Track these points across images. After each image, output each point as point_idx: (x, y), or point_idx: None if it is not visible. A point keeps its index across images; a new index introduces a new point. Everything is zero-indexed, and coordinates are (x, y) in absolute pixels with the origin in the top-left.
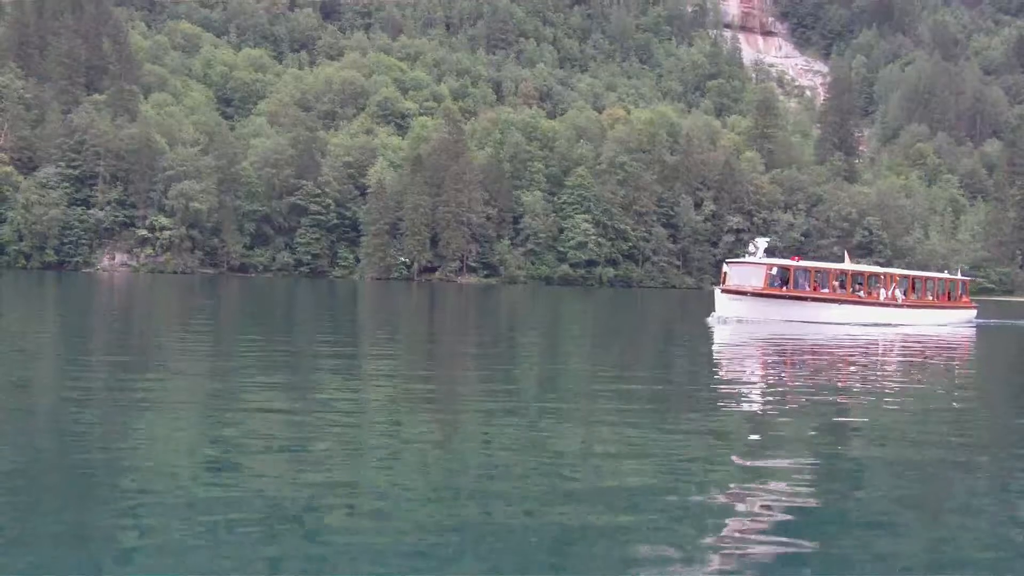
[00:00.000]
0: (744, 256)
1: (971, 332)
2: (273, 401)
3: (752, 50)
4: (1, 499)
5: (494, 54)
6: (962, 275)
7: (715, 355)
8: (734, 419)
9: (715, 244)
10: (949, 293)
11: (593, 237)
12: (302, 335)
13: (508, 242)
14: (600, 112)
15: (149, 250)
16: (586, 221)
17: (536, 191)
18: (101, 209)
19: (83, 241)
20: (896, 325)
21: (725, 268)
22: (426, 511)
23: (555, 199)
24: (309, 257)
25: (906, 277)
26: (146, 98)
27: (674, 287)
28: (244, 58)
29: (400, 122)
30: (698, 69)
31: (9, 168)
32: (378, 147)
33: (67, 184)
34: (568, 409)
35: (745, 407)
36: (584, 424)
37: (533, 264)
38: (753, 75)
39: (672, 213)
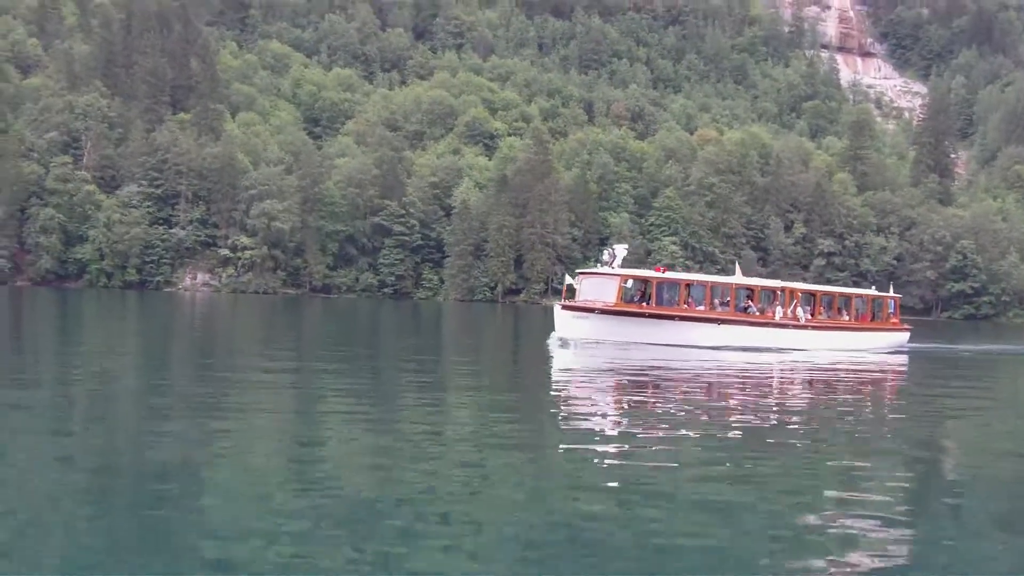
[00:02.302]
0: (597, 265)
1: (900, 359)
2: (357, 423)
3: (850, 71)
4: (85, 514)
5: (586, 74)
6: (893, 292)
7: (523, 384)
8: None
9: (806, 267)
10: (873, 313)
11: (680, 259)
12: (387, 356)
13: (595, 263)
14: (691, 133)
15: (231, 270)
16: (673, 243)
17: (623, 212)
18: (183, 228)
19: (165, 260)
20: (797, 350)
21: (569, 280)
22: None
23: (642, 221)
24: (393, 278)
25: (812, 294)
26: (233, 117)
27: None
28: (334, 78)
29: (488, 143)
30: (794, 90)
31: (92, 187)
32: (464, 167)
33: (149, 203)
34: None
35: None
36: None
37: None
38: (850, 96)
39: (762, 236)
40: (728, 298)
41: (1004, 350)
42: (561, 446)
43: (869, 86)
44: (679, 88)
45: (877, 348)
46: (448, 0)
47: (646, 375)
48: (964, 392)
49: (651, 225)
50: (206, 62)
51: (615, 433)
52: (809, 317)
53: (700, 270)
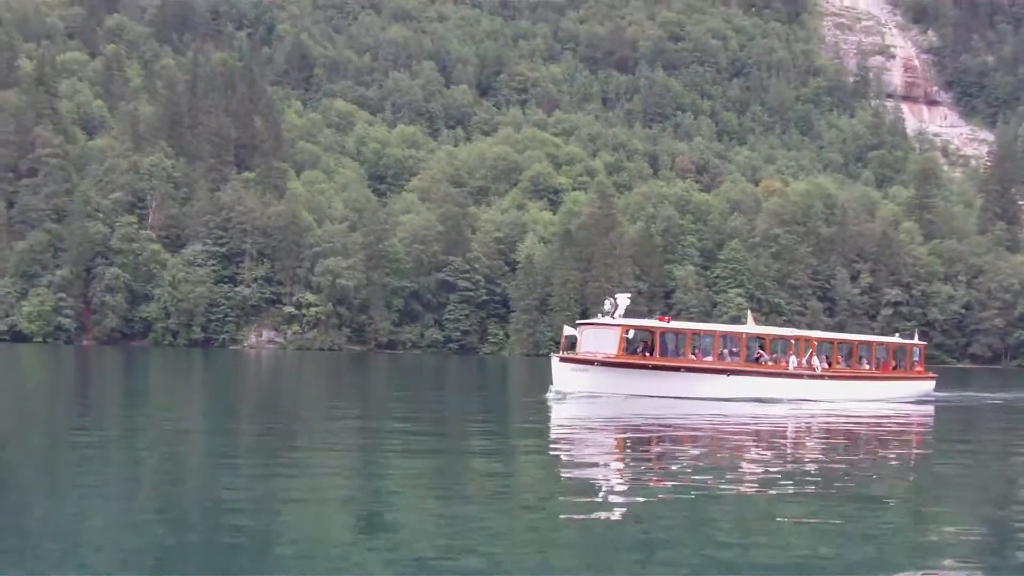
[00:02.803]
0: (598, 316)
1: (925, 409)
2: (423, 477)
3: (916, 120)
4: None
5: (650, 128)
6: (918, 339)
7: (508, 444)
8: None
9: (873, 318)
10: (896, 361)
11: (746, 312)
12: (453, 412)
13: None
14: (756, 185)
15: (296, 327)
16: (739, 295)
17: (688, 265)
18: (248, 286)
19: (230, 318)
20: (814, 400)
21: (568, 331)
22: None
23: (708, 273)
24: (458, 333)
25: (829, 342)
26: (299, 176)
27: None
28: (398, 135)
29: (553, 197)
30: (860, 140)
31: (157, 246)
32: (529, 222)
33: (214, 261)
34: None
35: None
36: None
37: None
38: (916, 145)
39: (828, 286)
40: (738, 348)
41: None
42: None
43: (935, 134)
44: (744, 140)
45: (900, 398)
46: (512, 56)
47: (644, 430)
48: (982, 446)
49: (716, 277)
50: (270, 121)
51: (615, 492)
52: (826, 366)
53: (766, 322)
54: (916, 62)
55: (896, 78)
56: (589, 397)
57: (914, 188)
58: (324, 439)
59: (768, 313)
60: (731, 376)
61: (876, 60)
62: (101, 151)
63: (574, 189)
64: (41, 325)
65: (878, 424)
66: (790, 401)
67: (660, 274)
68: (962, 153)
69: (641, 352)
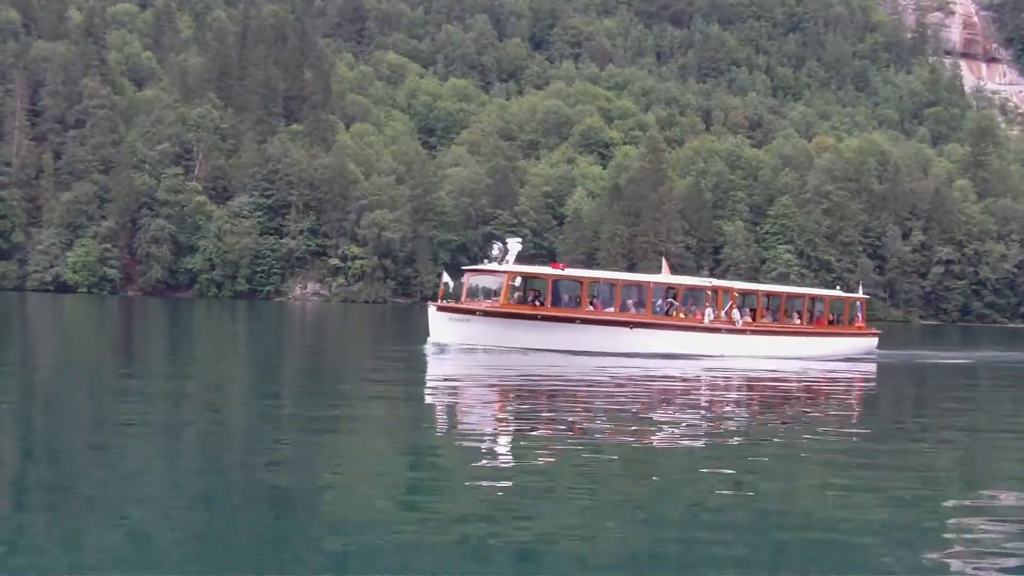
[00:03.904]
0: (484, 262)
1: (863, 367)
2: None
3: (974, 76)
4: (202, 520)
5: (704, 83)
6: (861, 293)
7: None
8: None
9: (924, 276)
10: (833, 316)
11: (796, 268)
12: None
13: (708, 272)
14: (810, 141)
15: (341, 279)
16: (788, 251)
17: (738, 221)
18: (293, 238)
19: (275, 270)
20: (733, 357)
21: (446, 277)
22: None
23: (757, 229)
24: None
25: (752, 293)
26: (348, 129)
27: (880, 319)
28: (450, 88)
29: (603, 152)
30: (916, 97)
31: (203, 197)
32: (578, 176)
33: (260, 213)
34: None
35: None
36: None
37: None
38: (974, 102)
39: (879, 243)
40: (644, 298)
41: (985, 358)
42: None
43: (993, 92)
44: (799, 96)
45: (835, 355)
46: (566, 10)
47: (522, 387)
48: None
49: (766, 234)
50: (320, 73)
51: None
52: (749, 320)
53: (816, 279)
54: (976, 19)
55: (955, 34)
56: (469, 350)
57: (969, 146)
58: (369, 393)
59: (818, 270)
60: (635, 329)
61: (935, 16)
62: (149, 102)
63: (625, 144)
64: (86, 276)
65: (799, 383)
66: (704, 357)
67: (709, 230)
68: (1020, 111)
69: (532, 302)
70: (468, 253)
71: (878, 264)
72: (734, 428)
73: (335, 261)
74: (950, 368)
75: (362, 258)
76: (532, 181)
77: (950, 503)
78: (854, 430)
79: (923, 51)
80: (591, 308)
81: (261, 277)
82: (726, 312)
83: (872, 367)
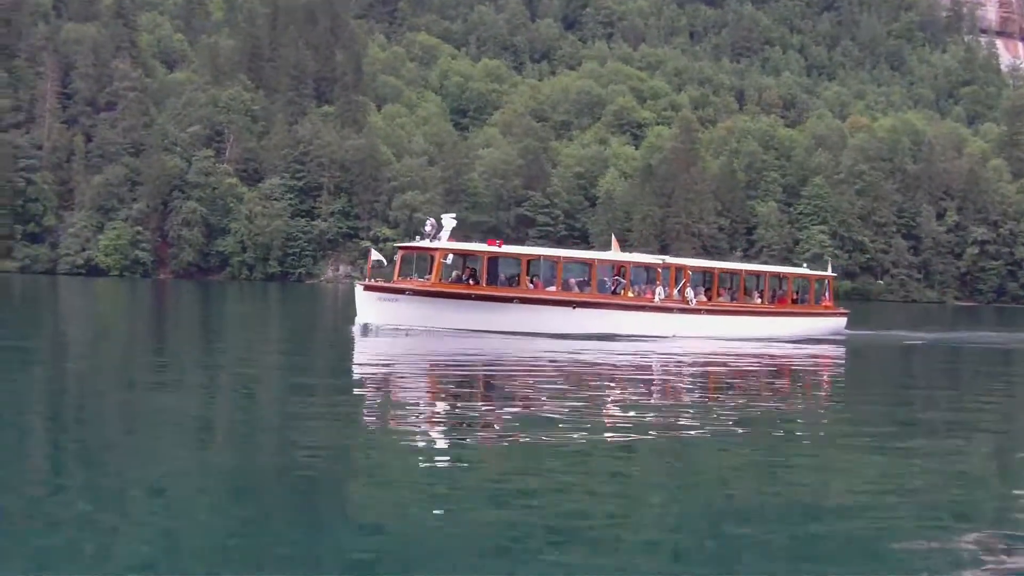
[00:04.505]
0: (416, 239)
1: (829, 348)
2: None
3: (1010, 55)
4: (233, 513)
5: (738, 62)
6: (830, 271)
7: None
8: None
9: (959, 256)
10: (797, 295)
11: (830, 248)
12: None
13: (741, 253)
14: (844, 121)
15: None
16: (822, 232)
17: (771, 201)
18: (325, 220)
19: (306, 252)
20: (685, 337)
21: (375, 255)
22: None
23: (791, 210)
24: None
25: (707, 271)
26: (380, 110)
27: (915, 301)
28: (482, 69)
29: (636, 132)
30: (951, 76)
31: (234, 180)
32: (610, 157)
33: (291, 195)
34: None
35: None
36: None
37: None
38: (1010, 81)
39: (913, 224)
40: (587, 276)
41: (961, 338)
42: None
43: None
44: (833, 75)
45: (798, 335)
46: None
47: (451, 370)
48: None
49: (800, 214)
50: (351, 54)
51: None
52: (704, 299)
53: (849, 260)
54: None
55: (991, 13)
56: (399, 331)
57: (1005, 125)
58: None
59: (852, 251)
60: (577, 308)
61: None
62: (180, 85)
63: (658, 124)
64: (118, 259)
65: (751, 365)
66: (653, 338)
67: (742, 210)
68: None
69: (466, 281)
70: (501, 234)
71: (912, 245)
72: (677, 411)
73: (366, 243)
74: (923, 349)
75: (394, 240)
76: (564, 162)
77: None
78: (804, 413)
79: (958, 30)
80: (531, 287)
81: (293, 259)
82: (679, 291)
83: (840, 348)
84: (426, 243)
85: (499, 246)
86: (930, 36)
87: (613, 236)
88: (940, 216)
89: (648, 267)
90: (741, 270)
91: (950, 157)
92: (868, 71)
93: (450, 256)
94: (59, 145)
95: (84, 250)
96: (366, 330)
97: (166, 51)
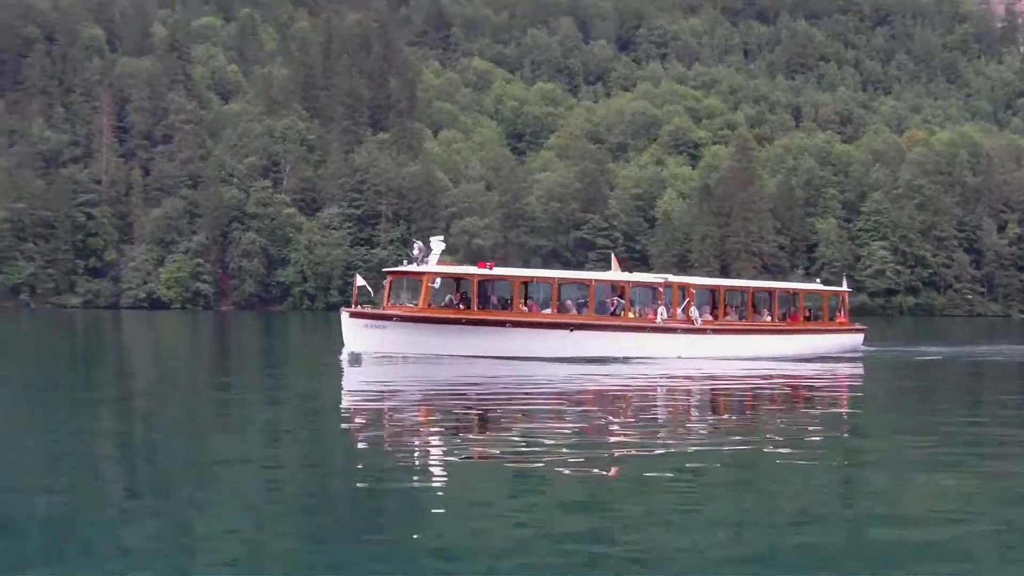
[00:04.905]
0: (403, 263)
1: (845, 367)
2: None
3: None
4: (306, 534)
5: (793, 79)
6: (845, 285)
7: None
8: None
9: (1022, 269)
10: (810, 311)
11: (891, 264)
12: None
13: (802, 271)
14: (901, 135)
15: None
16: (883, 248)
17: (830, 218)
18: (384, 248)
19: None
20: (690, 358)
21: (360, 281)
22: None
23: (851, 226)
24: None
25: (712, 289)
26: (436, 136)
27: (979, 315)
28: (536, 93)
29: (692, 152)
30: (1008, 87)
31: (292, 209)
32: (668, 178)
33: (350, 224)
34: None
35: None
36: None
37: None
38: None
39: (974, 237)
40: (585, 298)
41: (976, 352)
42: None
43: None
44: (889, 89)
45: (812, 353)
46: (651, 10)
47: (440, 398)
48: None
49: (860, 230)
50: (405, 81)
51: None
52: (710, 318)
53: (911, 275)
54: None
55: None
56: (387, 359)
57: None
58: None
59: (914, 266)
60: (575, 331)
61: None
62: (235, 115)
63: (714, 143)
64: (179, 292)
65: (761, 386)
66: (656, 360)
67: (801, 228)
68: None
69: (456, 305)
70: (560, 258)
71: (974, 258)
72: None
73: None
74: (940, 364)
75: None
76: (622, 184)
77: None
78: (817, 433)
79: (1014, 40)
80: (525, 309)
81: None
82: (683, 310)
83: (857, 366)
84: (413, 267)
85: (490, 268)
86: (985, 47)
87: (613, 256)
88: (1001, 229)
89: (649, 286)
90: (749, 287)
91: (1009, 169)
92: (924, 84)
93: (438, 280)
94: (117, 179)
95: (146, 283)
96: (355, 359)
97: (220, 82)
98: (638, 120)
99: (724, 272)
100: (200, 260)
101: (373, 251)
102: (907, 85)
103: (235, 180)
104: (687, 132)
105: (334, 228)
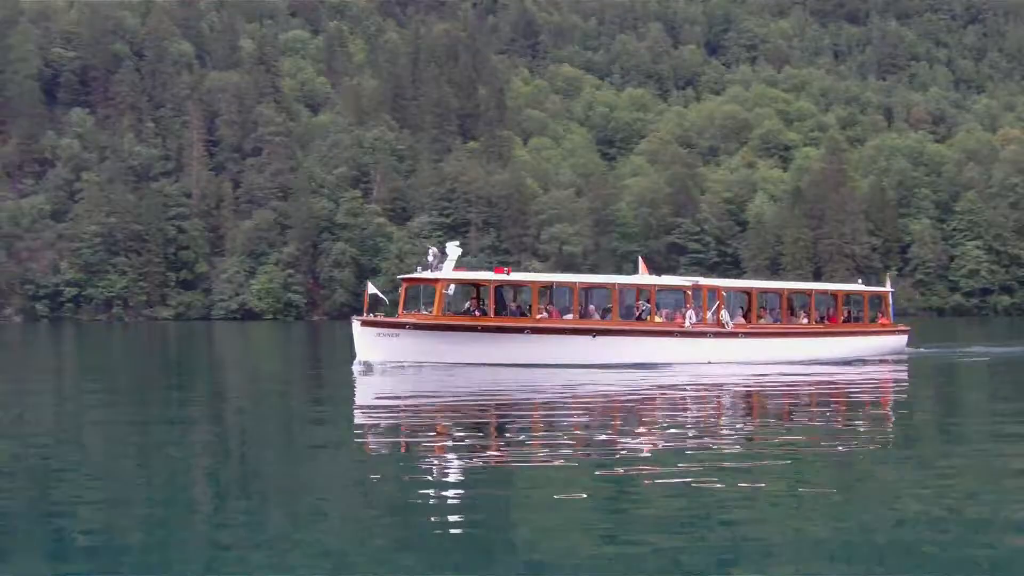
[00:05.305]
0: (418, 269)
1: (889, 369)
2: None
3: None
4: (397, 539)
5: (884, 80)
6: (889, 285)
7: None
8: None
9: None
10: (849, 312)
11: (986, 264)
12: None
13: (896, 273)
14: (995, 133)
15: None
16: (978, 248)
17: (924, 219)
18: (475, 256)
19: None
20: (724, 363)
21: (371, 288)
22: None
23: (944, 226)
24: None
25: (744, 292)
26: (525, 143)
27: None
28: (626, 98)
29: (783, 154)
30: None
31: (382, 219)
32: (759, 181)
33: (440, 232)
34: None
35: None
36: None
37: (923, 295)
38: None
39: None
40: (609, 303)
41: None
42: None
43: None
44: (982, 88)
45: (851, 355)
46: (740, 13)
47: (457, 409)
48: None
49: (953, 230)
50: (494, 89)
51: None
52: (742, 322)
53: (1007, 274)
54: None
55: None
56: (400, 368)
57: None
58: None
59: (1008, 265)
60: (598, 337)
61: None
62: (324, 127)
63: (805, 145)
64: (271, 303)
65: (802, 389)
66: (685, 365)
67: (894, 229)
68: None
69: (472, 312)
70: (652, 263)
71: None
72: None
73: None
74: (988, 364)
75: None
76: (712, 188)
77: None
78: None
79: None
80: (545, 316)
81: None
82: (713, 313)
83: (899, 368)
84: (427, 274)
85: (507, 273)
86: None
87: (640, 259)
88: None
89: (677, 290)
90: (784, 289)
91: None
92: (1017, 82)
93: (452, 287)
94: (208, 192)
95: (237, 295)
96: (368, 368)
97: (309, 94)
98: (728, 124)
99: (816, 275)
100: (291, 271)
101: (463, 259)
102: (1000, 83)
103: (325, 191)
104: (778, 135)
105: (424, 237)
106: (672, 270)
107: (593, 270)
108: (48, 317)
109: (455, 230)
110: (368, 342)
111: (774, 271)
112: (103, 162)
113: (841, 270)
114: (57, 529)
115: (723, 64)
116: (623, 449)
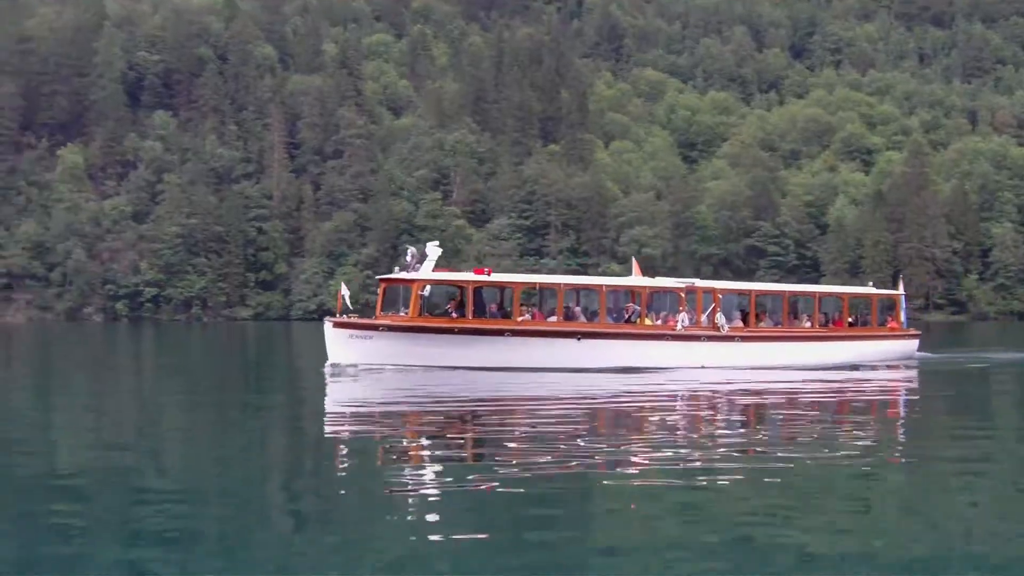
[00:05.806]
0: (395, 270)
1: (896, 375)
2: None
3: None
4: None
5: (969, 83)
6: (902, 288)
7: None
8: None
9: None
10: (856, 316)
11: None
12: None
13: (976, 277)
14: None
15: None
16: None
17: (1006, 222)
18: (554, 259)
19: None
20: (716, 368)
21: (344, 290)
22: None
23: None
24: None
25: (741, 293)
26: (607, 147)
27: None
28: (709, 102)
29: (866, 158)
30: None
31: (462, 221)
32: (840, 184)
33: (519, 235)
34: None
35: None
36: None
37: (1004, 299)
38: None
39: None
40: (596, 305)
41: None
42: None
43: None
44: None
45: (856, 360)
46: (825, 16)
47: (429, 414)
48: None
49: None
50: (576, 93)
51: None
52: (739, 325)
53: None
54: None
55: None
56: (373, 370)
57: None
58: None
59: None
60: (583, 340)
61: None
62: (405, 130)
63: (888, 149)
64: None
65: (796, 395)
66: (676, 370)
67: (976, 233)
68: None
69: (448, 314)
70: (731, 267)
71: None
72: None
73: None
74: (989, 372)
75: (620, 276)
76: (793, 191)
77: None
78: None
79: None
80: (528, 318)
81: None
82: (707, 316)
83: (907, 373)
84: (404, 274)
85: (487, 274)
86: None
87: (634, 260)
88: None
89: (669, 292)
90: (784, 291)
91: None
92: None
93: (427, 288)
94: (288, 194)
95: (316, 296)
96: (338, 370)
97: (391, 98)
98: (811, 127)
99: (894, 280)
100: (370, 272)
101: (542, 261)
102: None
103: (405, 193)
104: (860, 138)
105: (503, 239)
106: (751, 273)
107: (672, 273)
108: (128, 317)
109: (534, 232)
110: (340, 344)
111: (854, 274)
112: (185, 164)
113: (921, 274)
114: (136, 526)
115: (807, 67)
116: (578, 457)
